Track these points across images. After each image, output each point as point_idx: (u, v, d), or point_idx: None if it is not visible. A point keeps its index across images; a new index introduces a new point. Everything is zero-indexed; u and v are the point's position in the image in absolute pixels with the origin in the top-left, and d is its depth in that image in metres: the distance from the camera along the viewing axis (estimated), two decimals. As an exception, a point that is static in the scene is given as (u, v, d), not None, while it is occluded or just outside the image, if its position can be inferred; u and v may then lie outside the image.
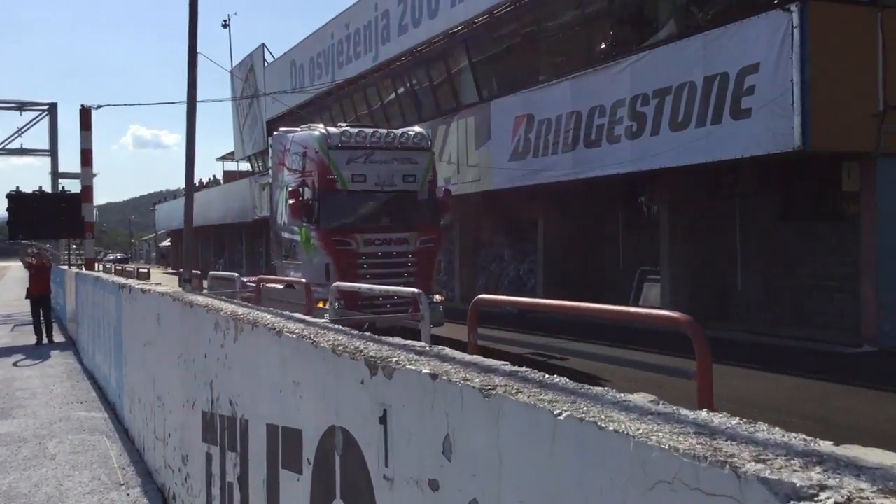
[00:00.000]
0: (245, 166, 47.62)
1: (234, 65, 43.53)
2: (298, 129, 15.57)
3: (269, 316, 3.87)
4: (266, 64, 38.29)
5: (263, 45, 38.72)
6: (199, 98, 7.26)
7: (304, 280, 11.15)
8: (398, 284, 13.64)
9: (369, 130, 14.26)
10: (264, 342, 3.44)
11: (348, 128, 14.51)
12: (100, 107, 21.62)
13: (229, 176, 53.15)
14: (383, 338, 2.75)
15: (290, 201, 13.72)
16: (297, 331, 3.15)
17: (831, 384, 10.70)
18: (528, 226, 22.07)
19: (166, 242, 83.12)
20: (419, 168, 14.36)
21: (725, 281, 17.62)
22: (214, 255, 56.56)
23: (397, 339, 2.70)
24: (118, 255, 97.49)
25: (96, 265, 24.78)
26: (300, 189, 13.84)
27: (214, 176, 58.68)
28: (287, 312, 4.14)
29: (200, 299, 5.42)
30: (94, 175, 22.05)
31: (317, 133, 14.16)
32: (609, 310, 4.40)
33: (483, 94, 21.46)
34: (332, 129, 14.35)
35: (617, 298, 20.17)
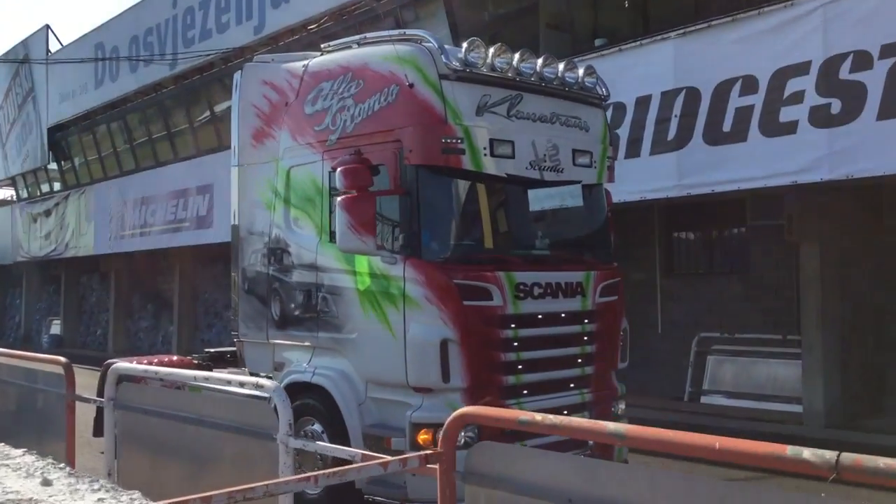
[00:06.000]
0: (3, 193, 35.89)
1: (-5, 56, 32.38)
2: (326, 48, 6.94)
3: None
4: (50, 53, 27.96)
5: (48, 26, 28.26)
6: None
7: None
8: (568, 383, 6.27)
9: (514, 54, 6.27)
10: None
11: (478, 43, 6.14)
12: None
13: (-25, 207, 40.33)
14: None
15: (346, 196, 5.61)
16: None
17: None
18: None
19: None
20: (592, 138, 6.84)
21: (881, 357, 11.70)
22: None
23: None
24: None
25: None
26: (368, 169, 5.70)
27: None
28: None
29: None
30: None
31: (413, 48, 6.02)
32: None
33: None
34: (445, 45, 6.14)
35: (659, 378, 13.48)
